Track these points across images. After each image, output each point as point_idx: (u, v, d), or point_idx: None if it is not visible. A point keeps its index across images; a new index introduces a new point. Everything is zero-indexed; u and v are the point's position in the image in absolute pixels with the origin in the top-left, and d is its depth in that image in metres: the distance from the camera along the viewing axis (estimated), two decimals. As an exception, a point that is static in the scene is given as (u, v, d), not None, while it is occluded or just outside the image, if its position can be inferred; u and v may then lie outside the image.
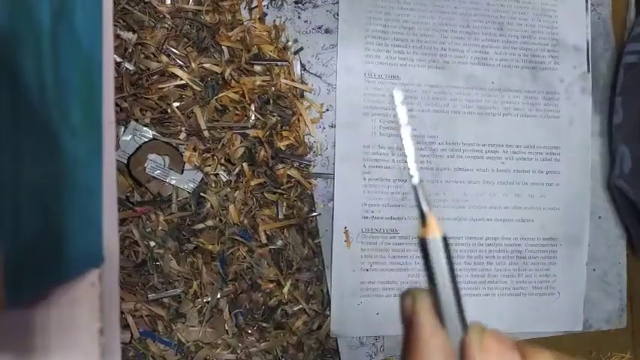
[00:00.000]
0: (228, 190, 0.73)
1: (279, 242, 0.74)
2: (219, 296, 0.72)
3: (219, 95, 0.73)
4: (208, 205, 0.72)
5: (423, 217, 0.31)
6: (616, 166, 0.81)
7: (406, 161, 0.32)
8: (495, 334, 0.31)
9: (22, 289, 0.30)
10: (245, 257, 0.73)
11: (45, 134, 0.32)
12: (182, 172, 0.71)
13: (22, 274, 0.30)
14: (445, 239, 0.31)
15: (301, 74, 0.76)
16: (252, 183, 0.73)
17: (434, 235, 0.31)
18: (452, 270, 0.31)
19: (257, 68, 0.74)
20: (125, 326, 0.69)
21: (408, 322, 0.32)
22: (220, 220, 0.72)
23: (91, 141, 0.37)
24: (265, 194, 0.74)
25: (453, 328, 0.31)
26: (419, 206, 0.32)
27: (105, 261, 0.38)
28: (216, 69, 0.73)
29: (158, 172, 0.70)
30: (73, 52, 0.34)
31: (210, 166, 0.72)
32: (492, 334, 0.31)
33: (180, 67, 0.72)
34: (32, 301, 0.35)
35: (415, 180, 0.32)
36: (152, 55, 0.71)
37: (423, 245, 0.31)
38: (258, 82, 0.74)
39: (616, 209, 0.84)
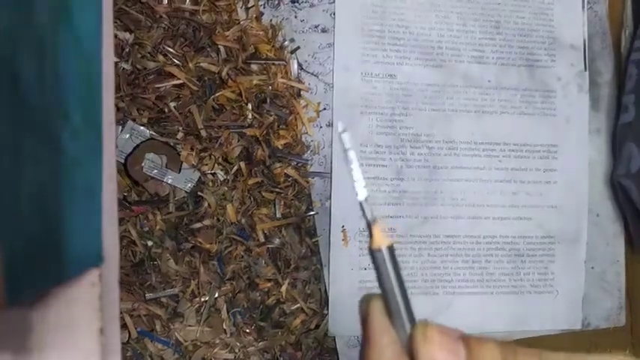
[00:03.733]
0: (226, 189, 0.73)
1: (277, 241, 0.74)
2: (217, 295, 0.72)
3: (216, 94, 0.73)
4: (206, 204, 0.72)
5: (370, 230, 0.35)
6: (621, 165, 0.80)
7: (354, 180, 0.36)
8: (439, 327, 0.33)
9: (21, 288, 0.30)
10: (243, 256, 0.73)
11: (44, 134, 0.32)
12: (179, 172, 0.71)
13: (22, 274, 0.30)
14: (391, 248, 0.34)
15: (298, 73, 0.76)
16: (250, 182, 0.73)
17: (380, 246, 0.34)
18: (398, 275, 0.34)
19: (254, 67, 0.74)
20: (123, 326, 0.69)
21: (363, 323, 0.35)
22: (218, 220, 0.72)
23: (91, 141, 0.37)
24: (263, 193, 0.74)
25: (401, 327, 0.34)
26: (366, 220, 0.35)
27: (105, 261, 0.38)
28: (213, 68, 0.73)
29: (155, 171, 0.70)
30: (72, 52, 0.34)
31: (207, 165, 0.72)
32: (435, 328, 0.33)
33: (177, 66, 0.72)
34: (32, 300, 0.35)
35: (361, 197, 0.35)
36: (149, 55, 0.71)
37: (372, 255, 0.35)
38: (255, 82, 0.74)
39: (617, 206, 0.84)
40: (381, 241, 0.35)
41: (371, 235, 0.35)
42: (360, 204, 0.35)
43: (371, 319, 0.34)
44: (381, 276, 0.35)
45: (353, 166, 0.36)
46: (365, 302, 0.35)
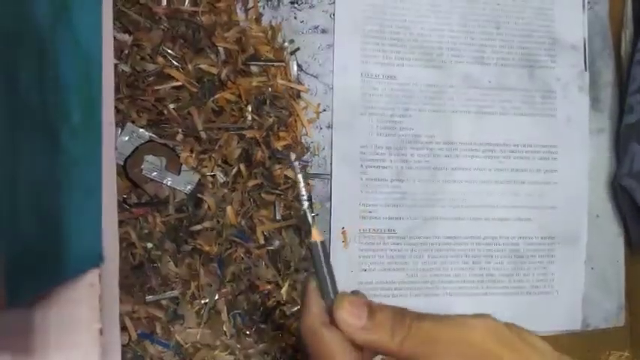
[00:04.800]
0: (226, 191, 0.73)
1: (277, 243, 0.74)
2: (217, 297, 0.72)
3: (216, 96, 0.72)
4: (205, 206, 0.72)
5: (310, 229, 0.49)
6: (624, 165, 0.81)
7: (300, 195, 0.51)
8: (350, 298, 0.46)
9: (21, 289, 0.30)
10: (243, 258, 0.73)
11: (44, 134, 0.32)
12: (179, 174, 0.71)
13: (22, 274, 0.30)
14: (324, 242, 0.49)
15: (298, 75, 0.76)
16: (250, 184, 0.73)
17: (315, 240, 0.49)
18: (328, 262, 0.48)
19: (253, 69, 0.74)
20: (123, 328, 0.69)
21: (303, 295, 0.49)
22: (218, 222, 0.72)
23: (91, 141, 0.37)
24: (262, 195, 0.73)
25: (328, 298, 0.48)
26: (307, 223, 0.50)
27: (104, 261, 0.38)
28: (213, 70, 0.73)
29: (155, 173, 0.70)
30: (72, 52, 0.34)
31: (207, 167, 0.72)
32: (348, 298, 0.46)
33: (177, 68, 0.72)
34: (32, 301, 0.35)
35: (305, 206, 0.50)
36: (148, 57, 0.71)
37: (310, 247, 0.49)
38: (254, 83, 0.74)
39: (617, 207, 0.84)
40: (317, 237, 0.49)
41: (310, 233, 0.48)
42: (304, 211, 0.50)
43: (307, 292, 0.48)
44: (315, 262, 0.49)
45: (300, 185, 0.51)
46: (305, 280, 0.50)
